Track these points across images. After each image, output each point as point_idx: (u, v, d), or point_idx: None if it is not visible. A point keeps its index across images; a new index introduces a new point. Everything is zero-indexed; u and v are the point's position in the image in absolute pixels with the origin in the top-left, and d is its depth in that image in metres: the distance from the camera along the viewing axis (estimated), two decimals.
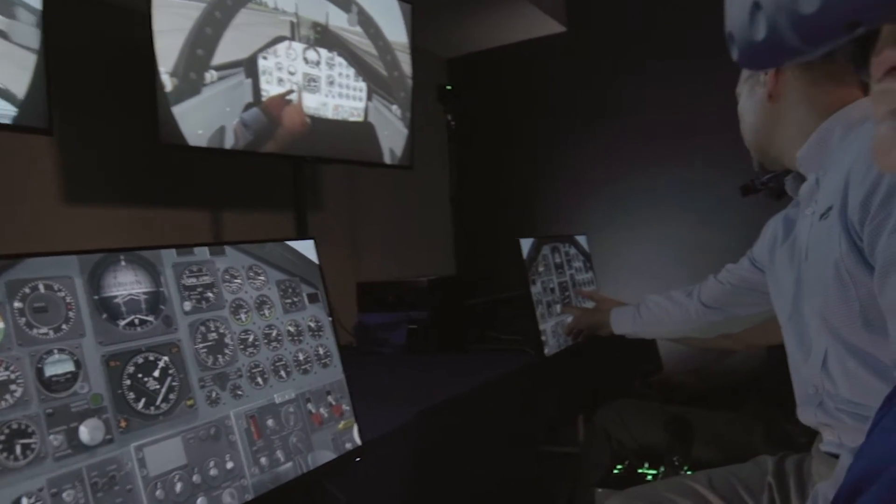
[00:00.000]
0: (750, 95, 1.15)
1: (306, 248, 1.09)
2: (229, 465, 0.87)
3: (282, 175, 2.33)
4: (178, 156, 2.09)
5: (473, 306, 2.02)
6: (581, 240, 2.10)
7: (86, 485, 0.71)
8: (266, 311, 0.99)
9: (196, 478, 0.82)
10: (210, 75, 1.90)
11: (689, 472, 1.46)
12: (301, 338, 1.04)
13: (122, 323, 0.80)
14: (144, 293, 0.84)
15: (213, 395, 0.88)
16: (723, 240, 2.48)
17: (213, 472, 0.85)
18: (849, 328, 0.92)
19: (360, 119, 2.43)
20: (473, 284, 2.16)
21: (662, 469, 1.49)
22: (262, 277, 1.00)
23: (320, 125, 2.26)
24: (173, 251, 0.89)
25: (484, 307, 2.05)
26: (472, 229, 2.91)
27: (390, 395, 1.47)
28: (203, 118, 1.88)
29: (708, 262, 2.51)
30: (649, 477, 1.50)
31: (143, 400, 0.80)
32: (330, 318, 1.10)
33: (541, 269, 1.80)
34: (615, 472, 1.55)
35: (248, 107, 2.00)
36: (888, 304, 0.81)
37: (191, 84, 1.84)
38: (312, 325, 1.07)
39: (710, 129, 2.54)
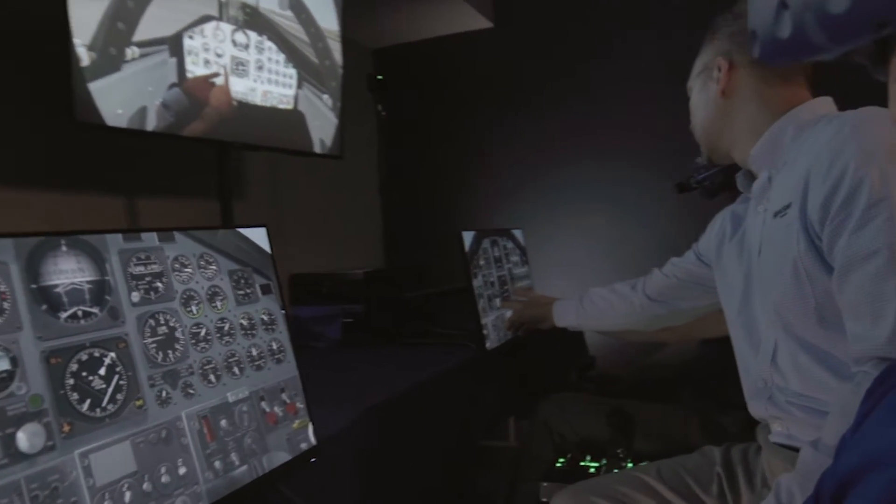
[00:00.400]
0: (702, 91, 1.17)
1: (258, 236, 1.02)
2: (182, 470, 0.80)
3: (205, 161, 2.20)
4: (95, 136, 1.93)
5: (410, 300, 1.98)
6: (517, 234, 2.10)
7: (24, 498, 0.63)
8: (218, 303, 0.92)
9: (147, 486, 0.75)
10: (131, 51, 1.76)
11: (631, 465, 1.48)
12: (254, 332, 0.97)
13: (64, 315, 0.71)
14: (88, 282, 0.75)
15: (164, 394, 0.80)
16: (655, 236, 2.56)
17: (164, 478, 0.77)
18: (803, 324, 0.95)
19: (290, 107, 2.34)
20: (410, 278, 2.11)
21: (604, 461, 1.51)
22: (213, 267, 0.93)
23: (248, 111, 2.15)
24: (119, 236, 0.80)
25: (421, 301, 2.01)
26: (405, 222, 2.86)
27: (332, 393, 1.41)
28: (123, 97, 1.74)
29: (638, 258, 2.58)
30: (592, 469, 1.51)
31: (87, 401, 0.71)
32: (283, 311, 1.04)
33: (482, 262, 1.79)
34: (558, 465, 1.55)
35: (171, 87, 1.87)
36: (847, 302, 0.84)
37: (110, 59, 1.70)
38: (265, 318, 1.00)
39: (640, 127, 2.61)
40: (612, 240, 2.67)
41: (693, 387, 1.75)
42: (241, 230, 0.99)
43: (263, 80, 2.22)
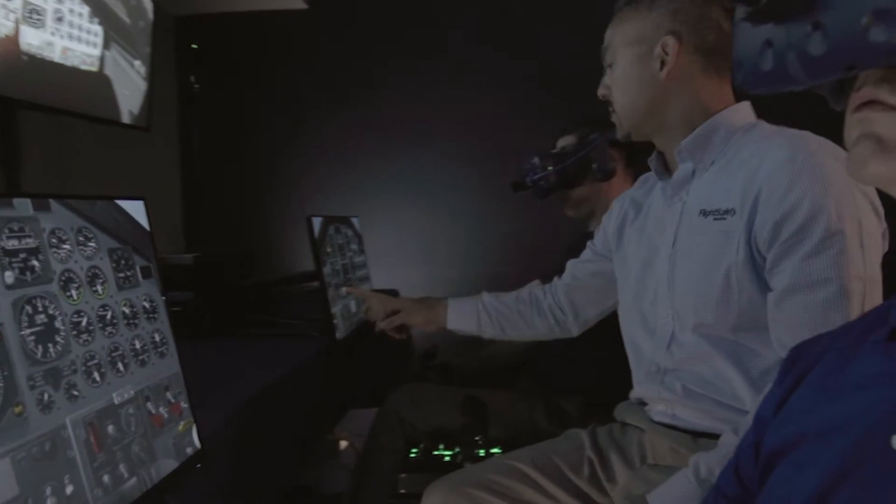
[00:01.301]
0: (636, 65, 1.09)
1: (136, 210, 0.88)
2: (69, 489, 0.66)
3: None
4: None
5: (250, 288, 1.83)
6: (355, 221, 2.06)
7: None
8: (99, 288, 0.77)
9: None
10: None
11: (483, 452, 1.51)
12: (136, 321, 0.83)
13: None
14: None
15: (46, 397, 0.65)
16: (489, 230, 2.64)
17: (50, 500, 0.63)
18: (716, 325, 1.01)
19: (95, 69, 2.04)
20: (242, 264, 1.96)
21: (458, 450, 1.53)
22: (92, 244, 0.77)
23: (42, 68, 1.84)
24: None
25: (260, 289, 1.87)
26: (228, 204, 2.65)
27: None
28: None
29: (471, 252, 2.68)
30: (447, 458, 1.52)
31: None
32: (163, 298, 0.90)
33: (329, 249, 1.72)
34: (412, 455, 1.54)
35: None
36: (786, 317, 0.90)
37: None
38: (147, 305, 0.86)
39: (476, 121, 2.65)
40: (447, 232, 2.71)
41: (531, 374, 1.85)
42: (120, 202, 0.84)
43: (63, 35, 1.91)
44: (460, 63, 2.69)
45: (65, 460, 0.66)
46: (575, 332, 1.44)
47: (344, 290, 1.75)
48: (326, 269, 1.65)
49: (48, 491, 0.63)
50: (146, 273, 0.87)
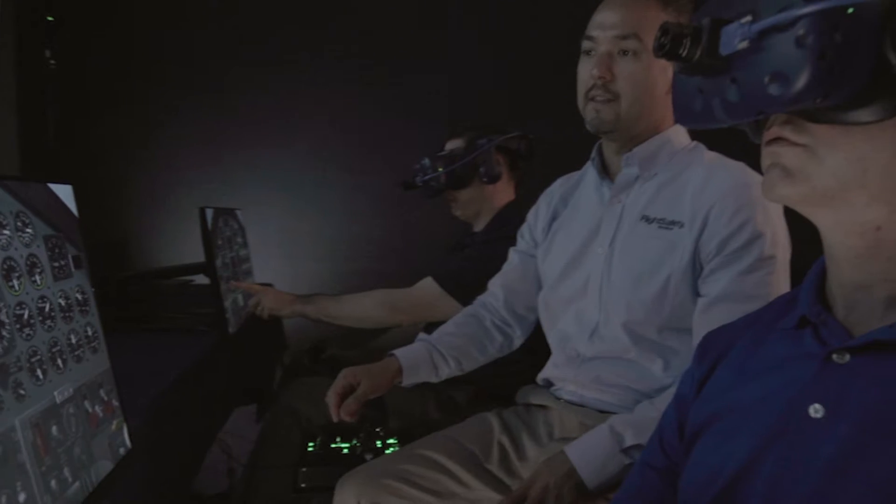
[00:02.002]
0: (664, 71, 1.08)
1: (65, 195, 0.81)
2: (21, 496, 0.61)
3: None
4: None
5: (130, 279, 1.70)
6: (239, 214, 1.98)
7: None
8: (38, 278, 0.71)
9: None
10: None
11: (380, 444, 1.53)
12: (71, 314, 0.77)
13: None
14: None
15: None
16: (349, 227, 2.64)
17: None
18: (645, 323, 1.09)
19: None
20: (109, 255, 1.82)
21: (356, 442, 1.53)
22: (30, 230, 0.71)
23: None
24: None
25: (138, 281, 1.74)
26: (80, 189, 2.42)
27: None
28: None
29: (354, 250, 2.67)
30: (345, 450, 1.52)
31: None
32: (93, 290, 0.84)
33: (219, 241, 1.65)
34: (310, 449, 1.52)
35: None
36: (707, 322, 0.99)
37: None
38: (80, 297, 0.80)
39: (360, 120, 2.66)
40: (314, 227, 2.68)
41: None
42: (52, 186, 0.77)
43: None
44: (333, 62, 2.69)
45: (16, 465, 0.61)
46: (518, 343, 1.40)
47: (232, 283, 1.69)
48: (219, 262, 1.59)
49: (3, 500, 0.58)
50: (77, 263, 0.80)
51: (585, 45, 1.14)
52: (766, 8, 0.47)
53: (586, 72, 1.12)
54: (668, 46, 0.53)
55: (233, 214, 1.89)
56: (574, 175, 1.35)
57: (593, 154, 1.23)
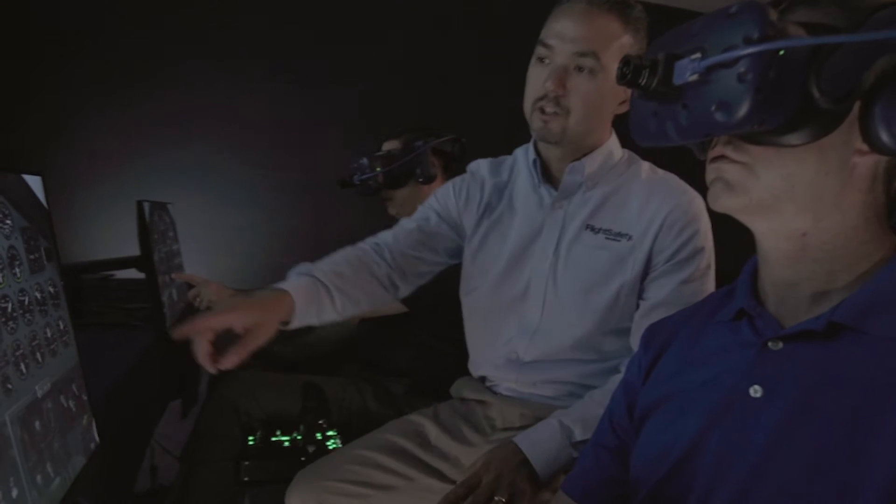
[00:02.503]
0: (603, 87, 1.07)
1: (35, 186, 0.79)
2: (14, 493, 0.60)
3: None
4: None
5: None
6: (170, 208, 1.93)
7: None
8: (17, 270, 0.69)
9: None
10: None
11: (319, 436, 1.54)
12: (46, 308, 0.75)
13: None
14: None
15: None
16: (268, 223, 2.62)
17: None
18: (592, 329, 1.14)
19: None
20: None
21: (296, 434, 1.53)
22: (9, 221, 0.69)
23: None
24: None
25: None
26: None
27: None
28: None
29: (246, 244, 2.64)
30: (286, 443, 1.52)
31: None
32: (62, 283, 0.82)
33: (156, 235, 1.61)
34: (250, 443, 1.51)
35: None
36: (646, 325, 1.00)
37: None
38: (52, 290, 0.78)
39: (299, 119, 2.64)
40: (231, 223, 2.65)
41: (352, 360, 1.92)
42: (25, 176, 0.75)
43: None
44: (256, 61, 2.66)
45: (9, 461, 0.60)
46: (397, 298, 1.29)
47: (176, 275, 1.65)
48: (156, 256, 1.55)
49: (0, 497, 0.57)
50: (49, 255, 0.79)
51: (540, 51, 1.10)
52: (712, 47, 0.55)
53: (539, 80, 1.09)
54: (629, 76, 0.59)
55: (165, 209, 1.84)
56: (502, 162, 1.30)
57: (531, 154, 1.19)
